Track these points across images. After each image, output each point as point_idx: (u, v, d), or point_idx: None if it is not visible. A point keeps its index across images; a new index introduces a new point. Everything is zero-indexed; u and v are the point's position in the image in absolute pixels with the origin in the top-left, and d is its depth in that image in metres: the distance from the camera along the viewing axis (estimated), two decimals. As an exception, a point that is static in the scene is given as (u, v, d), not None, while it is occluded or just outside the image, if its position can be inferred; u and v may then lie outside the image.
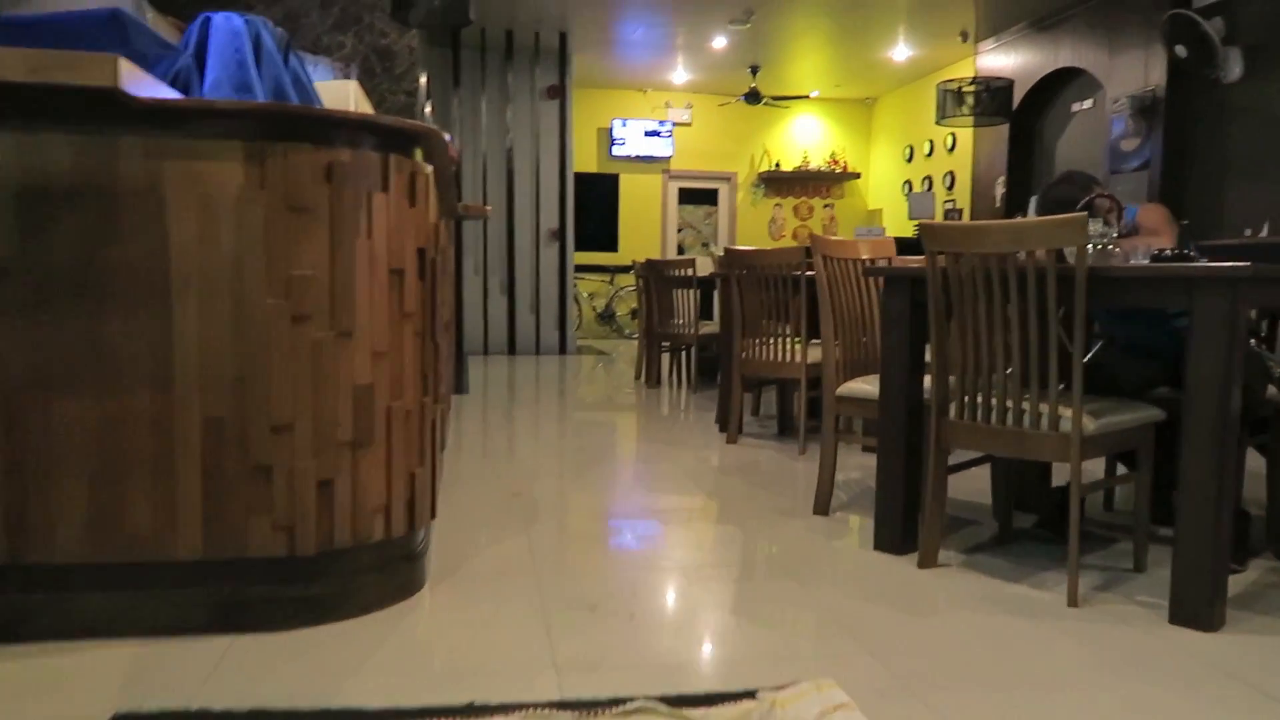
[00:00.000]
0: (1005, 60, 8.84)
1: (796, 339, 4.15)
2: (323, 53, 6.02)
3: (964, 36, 8.96)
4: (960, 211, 9.76)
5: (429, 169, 2.23)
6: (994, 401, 2.34)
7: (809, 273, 4.12)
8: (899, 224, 10.84)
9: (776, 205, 12.38)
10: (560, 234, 9.71)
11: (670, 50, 9.92)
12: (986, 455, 2.74)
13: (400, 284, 2.08)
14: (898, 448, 2.66)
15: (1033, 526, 2.90)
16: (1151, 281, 2.11)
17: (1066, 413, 2.22)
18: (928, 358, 2.65)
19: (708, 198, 12.36)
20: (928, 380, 2.67)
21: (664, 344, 6.76)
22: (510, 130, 9.52)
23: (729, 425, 4.43)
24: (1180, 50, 6.51)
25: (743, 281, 4.30)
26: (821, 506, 3.06)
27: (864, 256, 3.18)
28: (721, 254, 4.73)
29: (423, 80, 7.21)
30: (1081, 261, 2.11)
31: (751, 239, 12.19)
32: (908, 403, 2.64)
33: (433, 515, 2.36)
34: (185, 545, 1.91)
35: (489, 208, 5.15)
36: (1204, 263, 2.19)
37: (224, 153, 1.86)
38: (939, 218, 10.00)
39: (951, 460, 2.53)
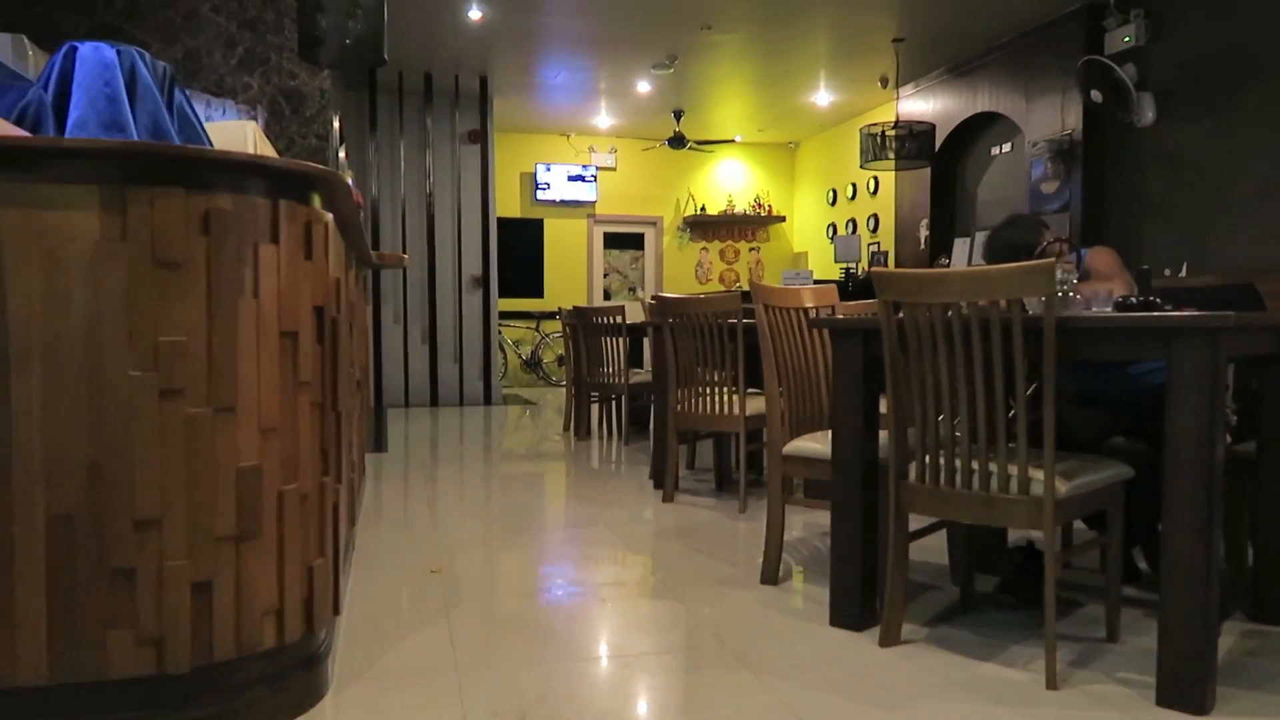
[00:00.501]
0: (925, 105, 8.94)
1: (733, 389, 3.95)
2: (227, 95, 5.70)
3: (884, 82, 9.05)
4: (885, 254, 9.80)
5: (328, 217, 1.96)
6: (957, 463, 2.16)
7: (747, 320, 3.95)
8: (825, 267, 10.85)
9: (703, 249, 12.31)
10: (484, 280, 9.43)
11: (594, 94, 9.81)
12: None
13: (293, 349, 1.80)
14: (852, 512, 2.46)
15: (995, 590, 2.72)
16: (1127, 332, 1.96)
17: (1037, 475, 2.05)
18: (883, 412, 2.47)
19: (634, 242, 12.24)
20: (883, 437, 2.49)
21: (593, 395, 6.51)
22: (430, 175, 9.24)
23: (665, 482, 4.20)
24: (1095, 95, 6.62)
25: (676, 330, 4.10)
26: (769, 575, 2.84)
27: (808, 305, 3.01)
28: (652, 301, 4.53)
29: (335, 123, 6.91)
30: (1050, 311, 1.95)
31: (678, 283, 12.09)
32: (863, 463, 2.44)
33: (336, 611, 2.06)
34: (27, 669, 1.58)
35: (406, 256, 4.87)
36: (1176, 311, 2.06)
37: (76, 199, 1.57)
38: (865, 261, 10.03)
39: (911, 524, 2.34)
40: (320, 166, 1.87)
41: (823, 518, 3.80)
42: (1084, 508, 2.15)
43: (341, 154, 7.98)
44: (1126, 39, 6.61)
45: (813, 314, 3.02)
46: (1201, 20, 6.21)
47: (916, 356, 2.18)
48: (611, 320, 6.17)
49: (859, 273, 9.72)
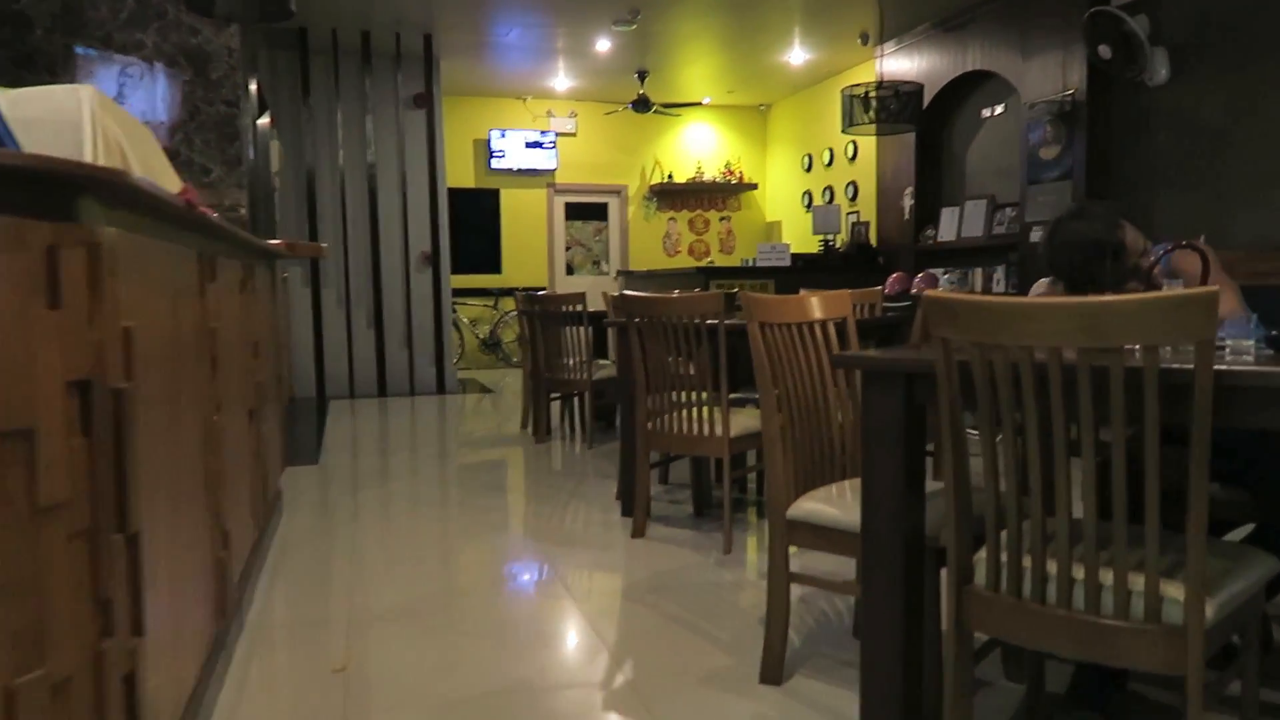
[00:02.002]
0: (909, 64, 8.27)
1: (715, 403, 3.31)
2: (117, 51, 4.89)
3: (864, 39, 8.36)
4: (867, 225, 9.16)
5: (109, 235, 1.27)
6: (1050, 568, 1.52)
7: (730, 321, 3.30)
8: (801, 238, 10.21)
9: (670, 219, 11.61)
10: (434, 257, 8.67)
11: (550, 54, 9.02)
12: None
13: (27, 455, 1.11)
14: (890, 607, 1.83)
15: (1066, 694, 2.11)
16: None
17: (1171, 591, 1.42)
18: (930, 481, 1.83)
19: (597, 213, 11.50)
20: (932, 504, 1.85)
21: (553, 394, 5.83)
22: (372, 144, 8.43)
23: (635, 511, 3.55)
24: (1104, 50, 5.98)
25: (644, 332, 3.43)
26: (772, 672, 2.20)
27: (816, 317, 2.35)
28: (615, 297, 3.86)
29: (253, 87, 6.10)
30: (1206, 365, 1.31)
31: (645, 256, 11.39)
32: (904, 539, 1.81)
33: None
34: None
35: (324, 246, 4.14)
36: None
37: None
38: (844, 232, 9.39)
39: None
40: (83, 163, 1.18)
41: (817, 563, 3.18)
42: (1230, 631, 1.52)
43: (264, 122, 7.17)
44: (1137, -13, 5.97)
45: (820, 329, 2.36)
46: (1223, -35, 5.58)
47: (988, 416, 1.54)
48: (572, 308, 5.48)
49: (838, 245, 9.10)
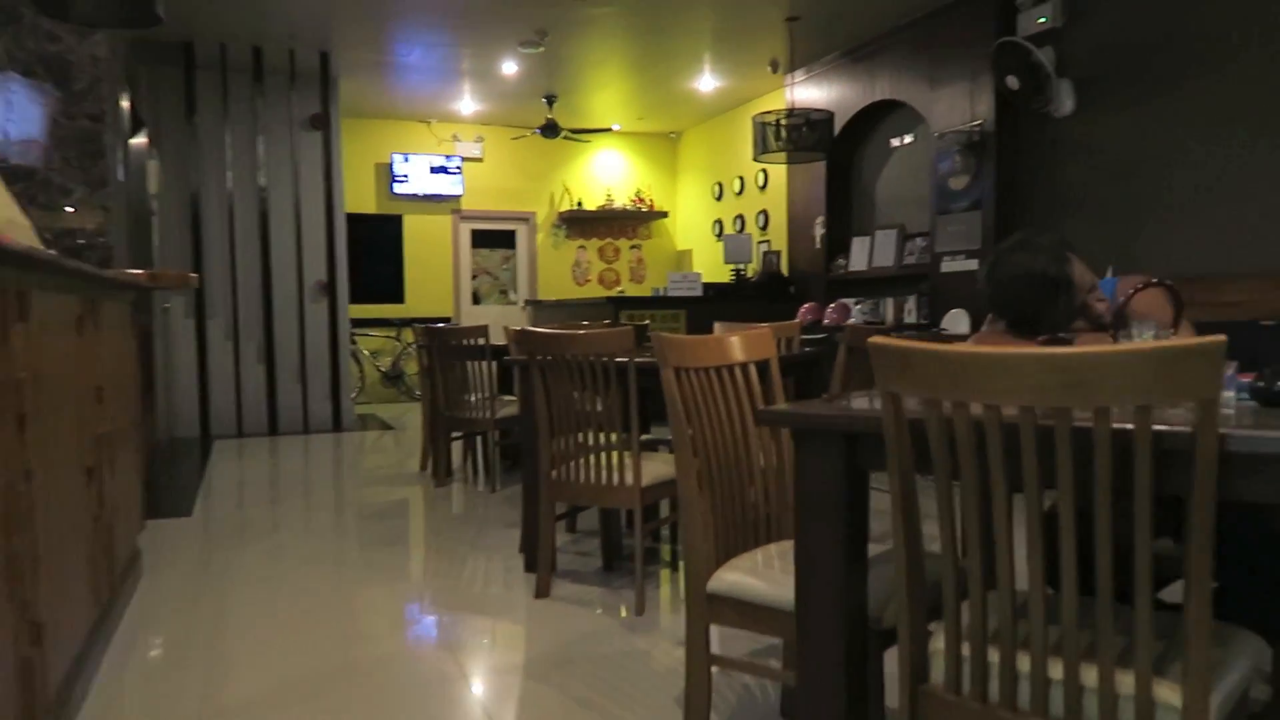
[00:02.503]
0: (818, 92, 8.23)
1: (622, 444, 3.03)
2: (-40, 61, 4.40)
3: (774, 66, 8.30)
4: (778, 254, 9.07)
5: None
6: (1021, 665, 1.29)
7: (641, 359, 3.04)
8: (713, 267, 10.07)
9: (580, 247, 11.36)
10: (330, 286, 8.22)
11: (455, 76, 8.71)
12: None
13: None
14: (829, 701, 1.57)
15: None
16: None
17: (1167, 694, 1.20)
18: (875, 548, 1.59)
19: (504, 240, 11.18)
20: (874, 574, 1.61)
21: (454, 433, 5.47)
22: (264, 166, 7.96)
23: (538, 568, 3.24)
24: (1012, 81, 5.99)
25: (548, 371, 3.14)
26: (693, 768, 1.92)
27: (737, 359, 2.10)
28: (515, 332, 3.56)
29: (124, 103, 5.63)
30: (1210, 430, 1.09)
31: (555, 284, 11.10)
32: (845, 622, 1.56)
33: None
34: None
35: (194, 276, 3.73)
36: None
37: None
38: (756, 261, 9.28)
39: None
40: None
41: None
42: (1227, 734, 1.31)
43: (141, 140, 6.66)
44: (1042, 20, 6.01)
45: (742, 373, 2.11)
46: (1123, 1, 5.64)
47: (947, 486, 1.30)
48: (474, 341, 5.15)
49: (750, 274, 8.98)
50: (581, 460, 3.10)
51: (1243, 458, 1.14)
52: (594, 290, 11.22)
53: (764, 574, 1.83)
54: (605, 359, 2.99)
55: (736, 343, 2.10)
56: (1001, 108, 6.31)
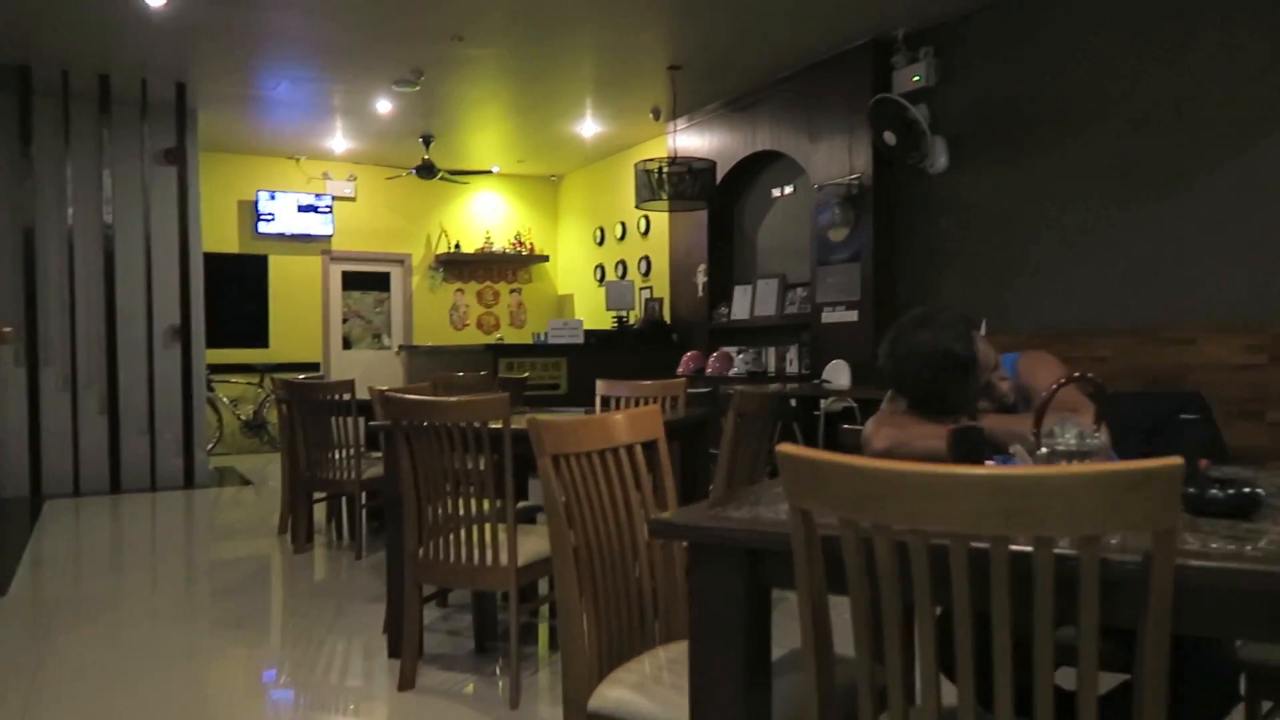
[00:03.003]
0: (700, 140, 8.23)
1: (496, 516, 2.79)
2: None
3: (655, 114, 8.27)
4: (660, 302, 8.99)
5: None
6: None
7: (517, 426, 2.81)
8: (594, 313, 9.91)
9: (458, 291, 11.03)
10: (184, 330, 7.65)
11: (326, 112, 8.33)
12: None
13: None
14: None
15: None
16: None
17: None
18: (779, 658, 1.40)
19: (378, 283, 10.75)
20: (777, 687, 1.42)
21: (317, 494, 5.07)
22: (110, 201, 7.38)
23: (403, 655, 2.93)
24: (889, 137, 6.08)
25: (414, 438, 2.87)
26: None
27: (622, 441, 1.90)
28: (380, 394, 3.27)
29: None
30: (1165, 561, 0.95)
31: (431, 329, 10.72)
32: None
33: None
34: None
35: (8, 329, 3.30)
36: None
37: None
38: (639, 308, 9.17)
39: None
40: None
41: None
42: None
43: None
44: (916, 78, 6.14)
45: (627, 455, 1.91)
46: (993, 62, 5.81)
47: (865, 614, 1.13)
48: (339, 396, 4.80)
49: (632, 321, 8.86)
50: (452, 536, 2.83)
51: (1198, 590, 1.01)
52: (472, 335, 10.90)
53: (653, 690, 1.62)
54: (478, 425, 2.75)
55: (621, 422, 1.90)
56: (879, 162, 6.40)
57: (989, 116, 5.82)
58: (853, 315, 6.57)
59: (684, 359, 7.97)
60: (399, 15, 5.91)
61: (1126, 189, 5.02)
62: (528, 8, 5.86)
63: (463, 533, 2.81)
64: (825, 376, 6.65)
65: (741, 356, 7.46)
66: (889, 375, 1.87)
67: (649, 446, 1.97)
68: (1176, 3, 4.76)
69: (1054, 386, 1.30)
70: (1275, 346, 4.29)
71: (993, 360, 1.85)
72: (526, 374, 6.34)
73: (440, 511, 2.84)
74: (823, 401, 5.79)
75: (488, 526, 2.78)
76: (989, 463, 1.61)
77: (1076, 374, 1.31)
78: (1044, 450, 1.27)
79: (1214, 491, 1.21)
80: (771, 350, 7.43)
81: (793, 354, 7.25)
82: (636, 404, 4.01)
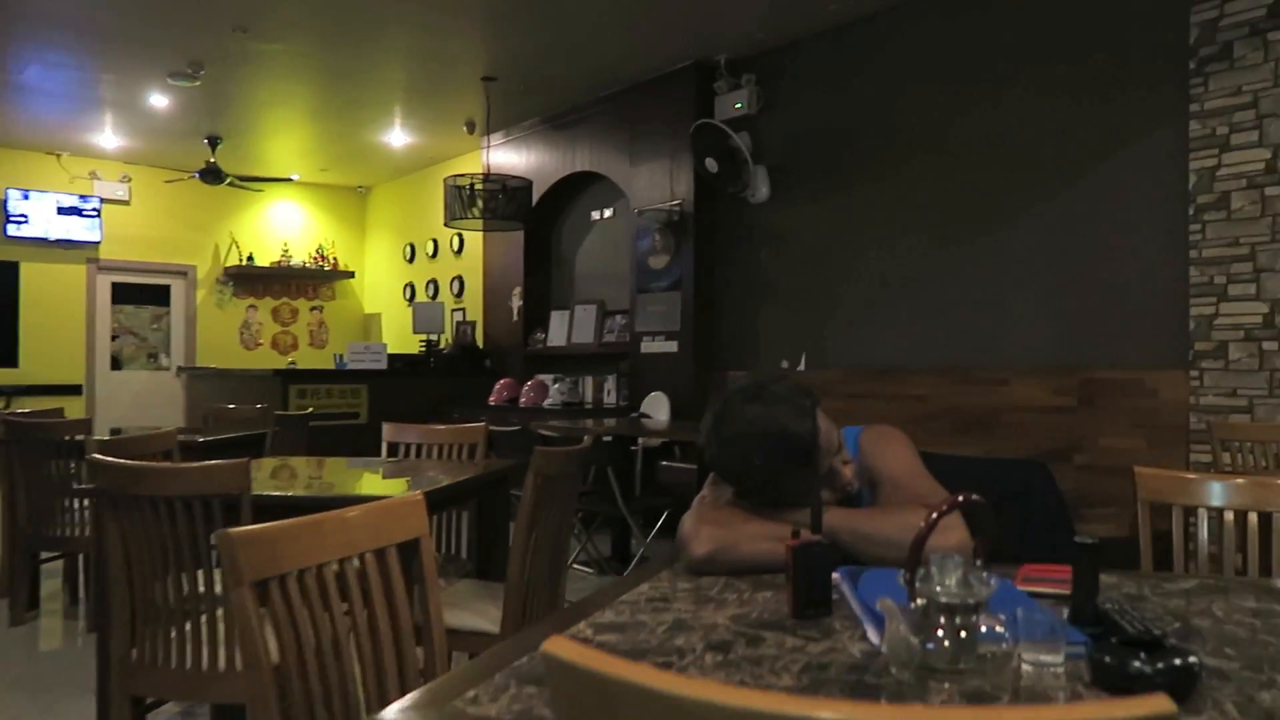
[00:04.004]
0: (517, 157, 7.80)
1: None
2: None
3: (470, 127, 7.77)
4: (472, 325, 8.46)
5: None
6: None
7: (265, 494, 2.27)
8: (402, 335, 9.25)
9: (251, 307, 10.06)
10: (-100, 352, 6.45)
11: (93, 105, 7.32)
12: None
13: None
14: None
15: None
16: None
17: None
18: None
19: (157, 296, 9.63)
20: None
21: (44, 553, 4.24)
22: None
23: (111, 784, 2.31)
24: (710, 164, 5.87)
25: (123, 508, 2.27)
26: None
27: (369, 546, 1.43)
28: (90, 460, 2.63)
29: None
30: None
31: (218, 349, 9.70)
32: None
33: None
34: None
35: None
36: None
37: None
38: (449, 331, 8.60)
39: None
40: None
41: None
42: None
43: None
44: (738, 105, 5.97)
45: (377, 564, 1.44)
46: (814, 94, 5.71)
47: None
48: (70, 437, 4.02)
49: (442, 345, 8.29)
50: (176, 630, 2.25)
51: None
52: (265, 356, 9.95)
53: None
54: (209, 496, 2.19)
55: (366, 521, 1.43)
56: (701, 189, 6.18)
57: (810, 148, 5.71)
58: (672, 346, 6.31)
59: (497, 387, 7.48)
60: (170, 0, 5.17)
61: (943, 228, 4.99)
62: (324, 2, 5.26)
63: (188, 627, 2.24)
64: (644, 409, 6.35)
65: (557, 386, 7.05)
66: (712, 460, 1.51)
67: (408, 549, 1.51)
68: (994, 45, 4.77)
69: (933, 517, 0.95)
70: (1083, 390, 4.31)
71: (836, 441, 1.52)
72: (311, 408, 5.68)
73: (160, 601, 2.25)
74: (640, 438, 5.47)
75: (220, 619, 2.22)
76: (839, 580, 1.26)
77: (960, 498, 0.97)
78: (920, 602, 0.93)
79: (1138, 665, 0.89)
80: (589, 379, 7.07)
81: (611, 384, 6.92)
82: (430, 452, 3.52)
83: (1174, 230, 4.04)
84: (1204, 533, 1.86)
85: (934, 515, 0.97)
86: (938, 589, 0.91)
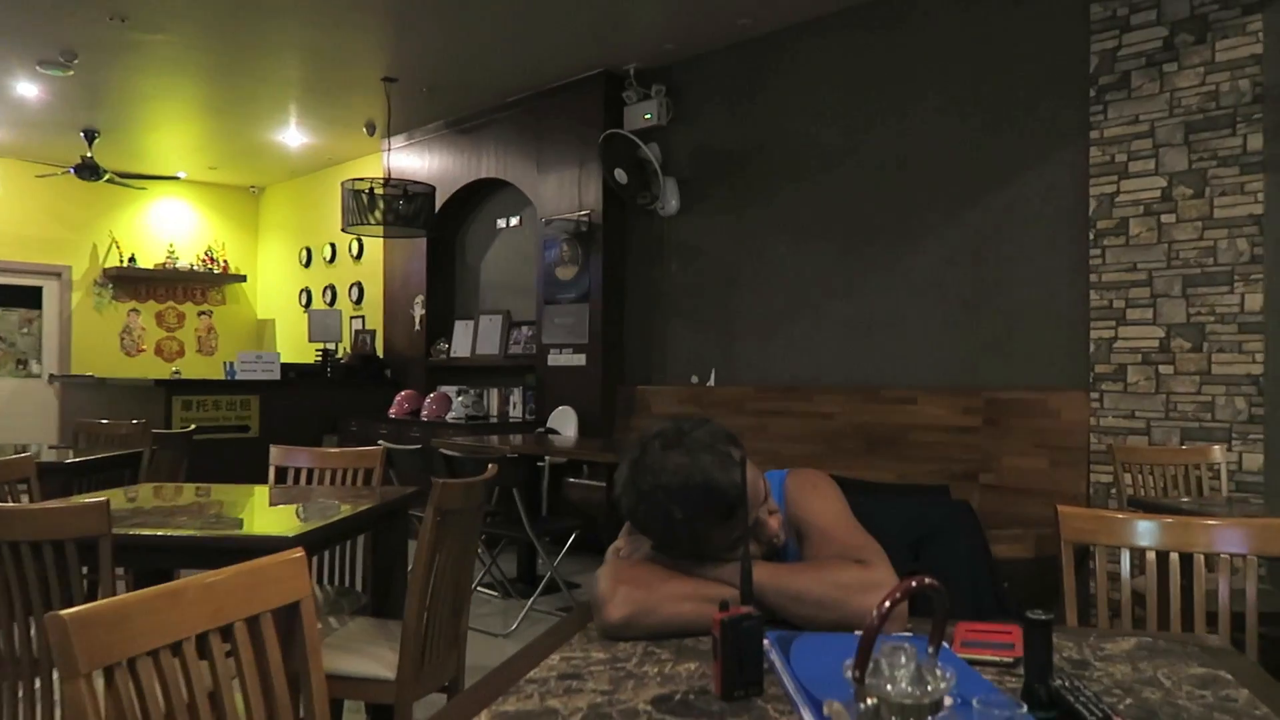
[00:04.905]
0: (420, 162, 7.55)
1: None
2: None
3: (370, 129, 7.47)
4: (372, 334, 8.15)
5: None
6: None
7: (131, 532, 2.04)
8: (297, 344, 8.85)
9: (133, 311, 9.49)
10: None
11: (-50, 90, 6.77)
12: None
13: None
14: None
15: None
16: None
17: None
18: None
19: (26, 298, 8.98)
20: None
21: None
22: None
23: None
24: (620, 175, 5.75)
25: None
26: None
27: (239, 615, 1.25)
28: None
29: None
30: None
31: (96, 355, 9.10)
32: None
33: None
34: None
35: None
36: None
37: None
38: (347, 340, 8.27)
39: None
40: None
41: None
42: None
43: None
44: (648, 116, 5.88)
45: (249, 632, 1.27)
46: (724, 106, 5.66)
47: None
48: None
49: (340, 355, 7.96)
50: (18, 688, 2.01)
51: None
52: (148, 364, 9.40)
53: None
54: (61, 541, 1.96)
55: (236, 584, 1.25)
56: (610, 200, 6.07)
57: (720, 161, 5.66)
58: (581, 359, 6.17)
59: (397, 399, 7.21)
60: (38, -21, 4.79)
61: (852, 244, 4.99)
62: (210, -10, 4.96)
63: (37, 684, 2.00)
64: (551, 424, 6.19)
65: (461, 399, 6.83)
66: (629, 511, 1.38)
67: (286, 613, 1.34)
68: (902, 64, 4.79)
69: (886, 606, 0.84)
70: (989, 410, 4.35)
71: (762, 491, 1.42)
72: (194, 424, 5.34)
73: (4, 653, 2.01)
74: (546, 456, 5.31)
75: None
76: (769, 647, 1.15)
77: (914, 583, 0.86)
78: (871, 702, 0.82)
79: None
80: (494, 392, 6.87)
81: (517, 397, 6.73)
82: (321, 477, 3.30)
83: (1076, 254, 4.11)
84: (1125, 572, 1.82)
85: (885, 605, 0.86)
86: (889, 688, 0.81)
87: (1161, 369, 3.83)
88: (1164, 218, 3.84)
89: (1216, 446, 3.36)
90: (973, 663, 1.19)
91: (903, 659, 0.85)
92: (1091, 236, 4.05)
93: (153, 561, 2.59)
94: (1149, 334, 3.86)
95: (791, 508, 1.49)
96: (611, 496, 1.41)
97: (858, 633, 1.30)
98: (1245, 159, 3.62)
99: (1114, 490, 3.66)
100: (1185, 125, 3.78)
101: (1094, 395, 4.03)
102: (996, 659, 1.21)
